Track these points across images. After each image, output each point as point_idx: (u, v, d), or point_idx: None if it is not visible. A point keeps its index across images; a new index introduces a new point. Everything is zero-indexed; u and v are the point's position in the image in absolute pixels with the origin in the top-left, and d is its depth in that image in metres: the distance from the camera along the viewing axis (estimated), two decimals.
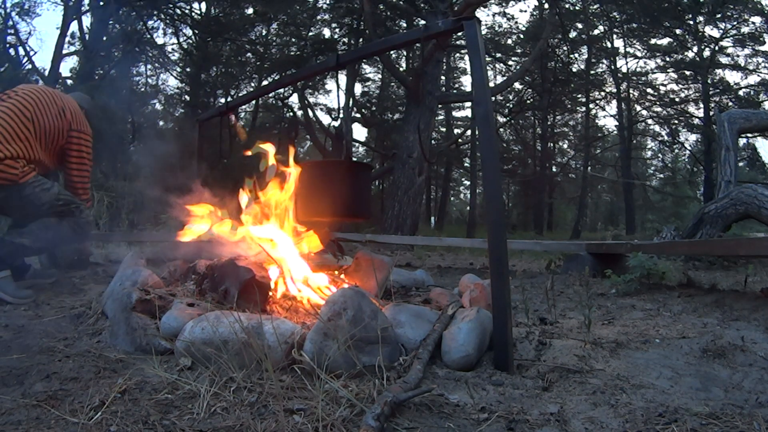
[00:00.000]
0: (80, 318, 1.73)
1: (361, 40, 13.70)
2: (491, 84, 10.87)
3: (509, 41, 16.21)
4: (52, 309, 1.90)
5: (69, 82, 11.58)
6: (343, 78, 14.93)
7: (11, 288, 2.04)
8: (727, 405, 1.07)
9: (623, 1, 13.71)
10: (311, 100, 16.99)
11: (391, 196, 8.00)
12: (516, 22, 18.91)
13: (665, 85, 17.05)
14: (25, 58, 12.02)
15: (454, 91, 16.84)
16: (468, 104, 15.67)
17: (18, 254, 2.23)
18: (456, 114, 21.24)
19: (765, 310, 1.93)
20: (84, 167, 2.47)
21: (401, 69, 14.97)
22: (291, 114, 15.82)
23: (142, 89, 14.95)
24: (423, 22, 8.75)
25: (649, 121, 18.73)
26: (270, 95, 14.78)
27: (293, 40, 14.55)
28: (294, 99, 15.41)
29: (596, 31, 16.09)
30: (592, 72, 17.34)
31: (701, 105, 15.86)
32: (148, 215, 6.16)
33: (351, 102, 14.01)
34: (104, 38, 11.47)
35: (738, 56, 15.15)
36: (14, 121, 2.20)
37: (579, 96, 18.37)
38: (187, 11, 13.33)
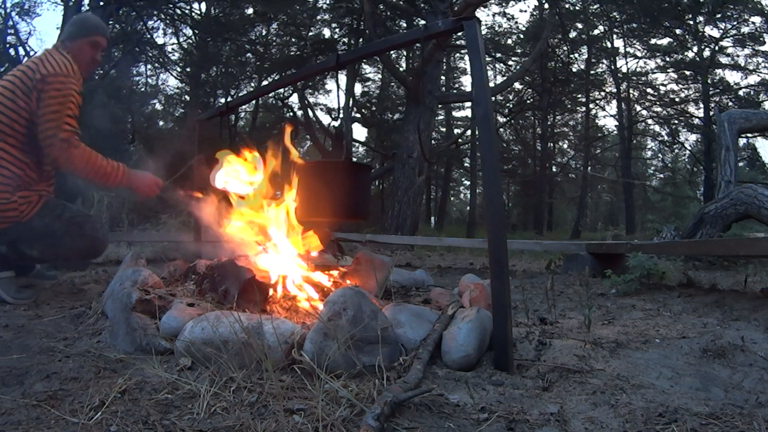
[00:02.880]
0: (80, 318, 1.73)
1: (361, 40, 13.71)
2: (491, 84, 10.88)
3: (509, 41, 16.22)
4: (52, 309, 1.90)
5: None
6: (343, 78, 14.94)
7: (12, 289, 2.04)
8: (727, 405, 1.07)
9: (623, 1, 13.71)
10: (311, 100, 17.00)
11: (391, 196, 8.00)
12: (516, 22, 18.93)
13: (665, 85, 17.08)
14: (25, 58, 12.03)
15: (454, 91, 16.86)
16: (468, 104, 15.68)
17: (23, 259, 2.17)
18: (456, 114, 21.28)
19: (765, 310, 1.93)
20: (55, 107, 1.96)
21: (401, 69, 14.97)
22: (291, 114, 15.82)
23: (142, 89, 14.96)
24: (423, 22, 8.75)
25: (649, 121, 18.76)
26: (270, 95, 14.78)
27: (293, 40, 14.56)
28: (294, 99, 15.42)
29: (596, 31, 16.10)
30: (592, 72, 17.35)
31: (701, 105, 15.87)
32: (148, 215, 6.16)
33: (351, 102, 14.02)
34: None
35: (738, 56, 15.18)
36: None
37: (579, 96, 18.39)
38: (187, 11, 13.34)
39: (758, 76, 15.16)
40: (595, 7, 14.50)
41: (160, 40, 13.80)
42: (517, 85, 15.99)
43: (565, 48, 15.24)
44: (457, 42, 10.45)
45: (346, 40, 14.38)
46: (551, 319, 1.83)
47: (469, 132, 17.41)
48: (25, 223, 2.02)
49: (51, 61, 2.02)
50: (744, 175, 13.90)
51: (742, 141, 13.03)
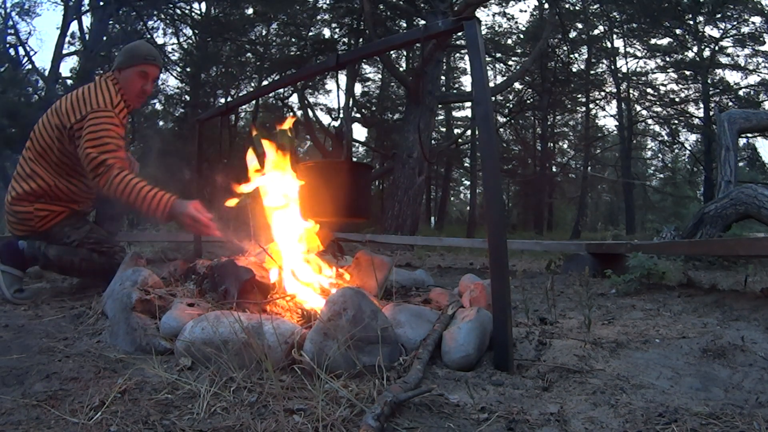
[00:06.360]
0: (80, 318, 1.73)
1: (361, 40, 13.71)
2: (491, 84, 10.87)
3: (509, 41, 16.23)
4: (52, 309, 1.90)
5: (69, 82, 11.59)
6: (343, 78, 14.94)
7: (14, 287, 2.04)
8: (727, 405, 1.07)
9: (623, 1, 13.72)
10: (311, 100, 17.00)
11: (391, 196, 8.00)
12: (516, 22, 18.94)
13: (665, 85, 17.09)
14: (25, 58, 12.04)
15: (454, 91, 16.86)
16: (468, 104, 15.69)
17: (36, 262, 2.18)
18: (456, 114, 21.28)
19: (765, 310, 1.93)
20: (96, 141, 1.97)
21: (401, 69, 14.97)
22: (291, 114, 15.82)
23: None
24: (423, 22, 8.75)
25: (649, 121, 18.76)
26: (270, 95, 14.79)
27: (293, 40, 14.57)
28: (294, 99, 15.43)
29: (596, 31, 16.10)
30: (592, 72, 17.35)
31: (701, 105, 15.88)
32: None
33: (351, 102, 14.01)
34: (104, 38, 11.48)
35: (738, 56, 15.19)
36: (23, 156, 2.15)
37: (579, 96, 18.39)
38: (187, 11, 13.36)
39: (758, 76, 15.18)
40: (595, 7, 14.51)
41: (160, 40, 13.81)
42: (517, 85, 16.00)
43: (565, 48, 15.24)
44: (457, 42, 10.46)
45: (346, 40, 14.38)
46: (551, 319, 1.83)
47: (469, 132, 17.42)
48: (44, 231, 2.13)
49: (92, 97, 2.06)
50: (744, 175, 13.91)
51: (742, 141, 13.03)
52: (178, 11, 13.13)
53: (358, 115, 15.66)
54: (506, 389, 1.15)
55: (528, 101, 17.97)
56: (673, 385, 1.18)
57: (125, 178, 1.94)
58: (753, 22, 14.17)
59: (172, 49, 14.48)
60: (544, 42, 10.54)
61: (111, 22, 11.81)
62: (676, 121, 17.48)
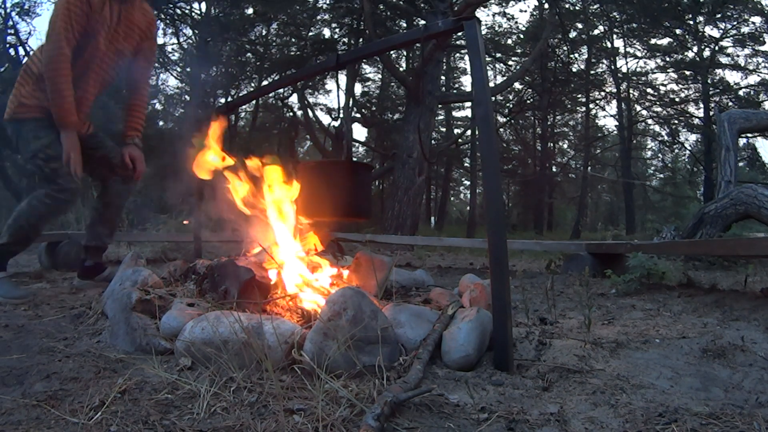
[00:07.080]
0: (80, 318, 1.73)
1: (361, 40, 13.71)
2: (491, 84, 10.87)
3: (509, 41, 16.21)
4: (52, 309, 1.90)
5: None
6: (343, 78, 14.94)
7: (4, 288, 2.03)
8: (727, 405, 1.07)
9: (623, 1, 13.71)
10: (311, 100, 16.99)
11: (391, 196, 8.00)
12: (516, 22, 18.95)
13: (665, 85, 17.06)
14: (25, 58, 12.03)
15: (454, 91, 16.85)
16: (468, 104, 15.68)
17: (7, 255, 2.16)
18: (456, 114, 21.26)
19: (765, 310, 1.93)
20: (53, 17, 1.99)
21: (401, 69, 14.97)
22: (291, 114, 15.82)
23: None
24: (423, 22, 8.74)
25: (649, 121, 18.74)
26: (270, 95, 14.78)
27: (293, 40, 14.56)
28: (294, 99, 15.42)
29: (596, 31, 16.09)
30: (592, 72, 17.33)
31: (701, 105, 15.86)
32: (148, 215, 6.16)
33: (351, 102, 14.01)
34: None
35: (738, 56, 15.17)
36: None
37: (579, 96, 18.37)
38: (187, 11, 13.34)
39: (758, 76, 15.16)
40: (595, 7, 14.49)
41: (160, 40, 13.79)
42: (517, 85, 15.99)
43: (565, 48, 15.23)
44: (457, 42, 10.45)
45: (346, 40, 14.37)
46: (551, 319, 1.83)
47: (469, 132, 17.40)
48: (17, 121, 2.10)
49: None
50: (744, 175, 13.89)
51: (742, 141, 13.02)
52: (178, 11, 13.12)
53: (358, 115, 15.65)
54: (506, 389, 1.15)
55: (528, 101, 17.95)
56: (673, 385, 1.18)
57: (68, 78, 2.01)
58: (753, 22, 14.16)
59: (172, 49, 14.48)
60: (544, 42, 10.54)
61: None
62: (676, 121, 17.47)
